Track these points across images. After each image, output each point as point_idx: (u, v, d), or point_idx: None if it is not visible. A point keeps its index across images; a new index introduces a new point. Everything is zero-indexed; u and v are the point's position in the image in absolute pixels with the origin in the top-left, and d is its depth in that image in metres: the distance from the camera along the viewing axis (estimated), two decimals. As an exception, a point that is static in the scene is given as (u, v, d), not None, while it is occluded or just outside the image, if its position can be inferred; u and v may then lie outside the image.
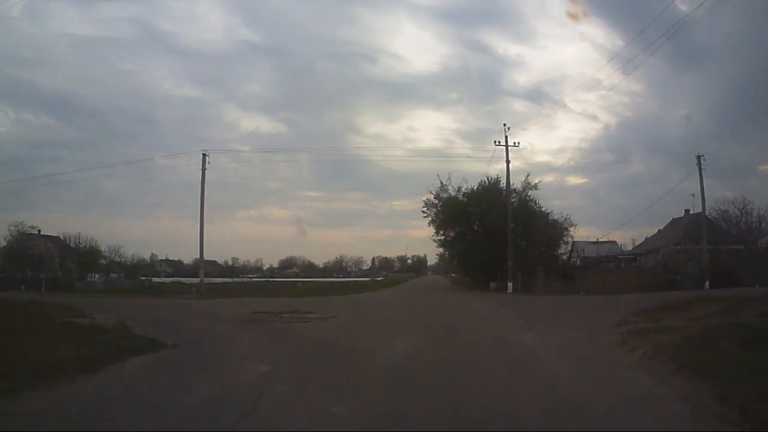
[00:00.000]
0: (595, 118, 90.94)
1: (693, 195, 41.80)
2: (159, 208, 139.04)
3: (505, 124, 36.95)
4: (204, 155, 38.04)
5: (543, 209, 38.14)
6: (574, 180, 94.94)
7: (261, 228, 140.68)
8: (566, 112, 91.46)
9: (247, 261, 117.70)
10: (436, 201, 39.26)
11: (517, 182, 38.06)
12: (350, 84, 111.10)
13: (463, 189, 38.95)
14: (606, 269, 37.07)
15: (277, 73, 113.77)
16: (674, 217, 45.67)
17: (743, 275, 30.34)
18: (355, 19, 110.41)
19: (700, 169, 33.67)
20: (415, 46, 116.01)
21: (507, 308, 20.44)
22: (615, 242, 46.26)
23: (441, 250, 45.32)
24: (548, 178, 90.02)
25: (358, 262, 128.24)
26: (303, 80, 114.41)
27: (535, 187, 38.05)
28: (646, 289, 29.30)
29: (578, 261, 37.67)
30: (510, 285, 33.86)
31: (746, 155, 67.46)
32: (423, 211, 39.86)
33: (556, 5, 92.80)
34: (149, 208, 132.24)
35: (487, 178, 39.00)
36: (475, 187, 38.83)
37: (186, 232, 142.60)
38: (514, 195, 37.23)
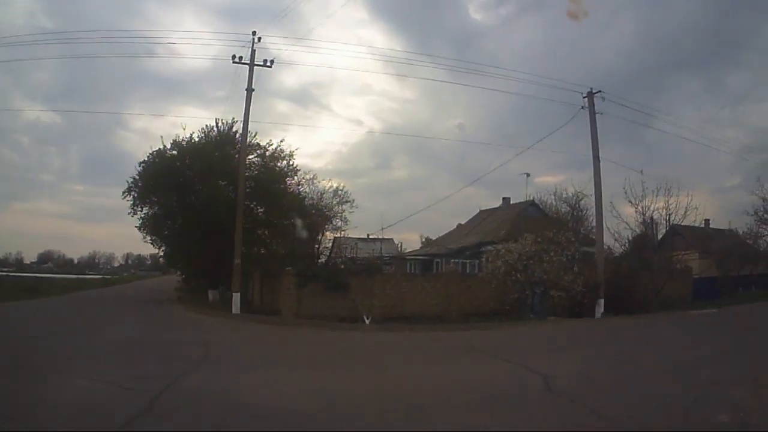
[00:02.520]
0: (359, 122, 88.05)
1: (528, 174, 32.67)
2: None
3: (254, 32, 20.89)
4: None
5: (300, 190, 24.27)
6: (325, 184, 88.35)
7: (30, 221, 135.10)
8: (331, 116, 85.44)
9: (9, 253, 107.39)
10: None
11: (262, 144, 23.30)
12: (124, 76, 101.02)
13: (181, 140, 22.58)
14: (401, 276, 22.22)
15: (63, 61, 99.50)
16: (482, 208, 35.06)
17: (635, 293, 20.15)
18: (141, 10, 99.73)
19: (592, 111, 20.45)
20: (194, 42, 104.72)
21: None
22: (392, 240, 34.95)
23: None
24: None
25: (111, 259, 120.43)
26: (83, 70, 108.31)
27: (291, 155, 23.48)
28: (484, 311, 17.85)
29: (342, 263, 25.06)
30: (237, 298, 19.42)
31: (522, 167, 67.01)
32: (128, 182, 23.17)
33: (338, 7, 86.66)
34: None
35: (216, 123, 22.96)
36: (195, 137, 22.62)
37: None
38: (256, 151, 22.56)
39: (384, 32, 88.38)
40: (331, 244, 23.50)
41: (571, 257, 19.07)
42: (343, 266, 19.46)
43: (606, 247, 22.13)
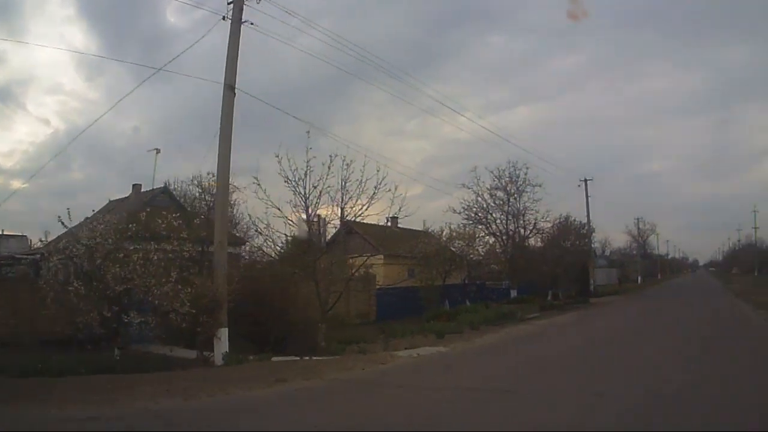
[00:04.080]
0: (47, 122, 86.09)
1: (157, 151, 25.73)
2: None
3: None
4: None
5: None
6: (16, 185, 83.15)
7: None
8: (25, 115, 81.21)
9: None
10: None
11: None
12: None
13: None
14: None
15: None
16: (112, 198, 27.23)
17: (291, 315, 14.21)
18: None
19: (237, 19, 13.32)
20: None
21: None
22: (25, 237, 26.21)
23: None
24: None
25: None
26: None
27: None
28: (62, 337, 11.99)
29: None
30: None
31: (189, 169, 68.53)
32: None
33: (53, 3, 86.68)
34: None
35: None
36: None
37: None
38: None
39: (83, 31, 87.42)
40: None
41: (178, 256, 12.81)
42: None
43: (253, 247, 16.71)
